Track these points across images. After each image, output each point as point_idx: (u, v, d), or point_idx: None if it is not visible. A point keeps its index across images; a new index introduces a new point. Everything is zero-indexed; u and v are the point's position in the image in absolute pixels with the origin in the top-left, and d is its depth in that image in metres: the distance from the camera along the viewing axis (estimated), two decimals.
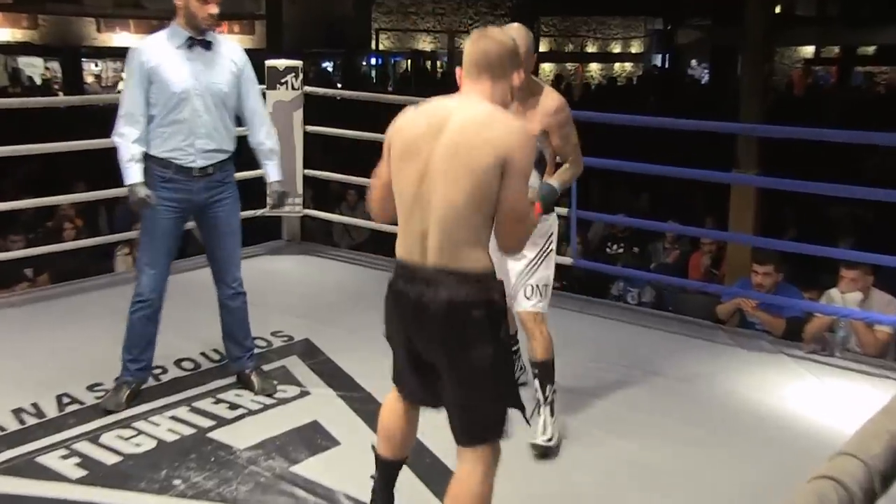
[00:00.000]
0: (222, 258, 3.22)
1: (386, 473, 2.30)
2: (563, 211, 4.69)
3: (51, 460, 2.75)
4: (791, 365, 3.80)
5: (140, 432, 2.96)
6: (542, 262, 2.86)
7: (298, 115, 5.21)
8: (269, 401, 3.22)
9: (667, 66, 22.67)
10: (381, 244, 5.34)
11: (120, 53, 17.25)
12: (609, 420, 3.19)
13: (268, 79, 5.16)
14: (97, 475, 2.67)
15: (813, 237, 4.76)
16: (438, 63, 22.49)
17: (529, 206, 2.10)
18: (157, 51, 3.01)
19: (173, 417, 3.07)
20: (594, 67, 24.08)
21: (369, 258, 5.26)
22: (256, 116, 3.21)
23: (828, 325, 4.00)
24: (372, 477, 2.35)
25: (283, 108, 5.18)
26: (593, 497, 2.70)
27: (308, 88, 5.29)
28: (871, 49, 20.37)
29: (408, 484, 2.48)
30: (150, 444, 2.88)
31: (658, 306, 5.50)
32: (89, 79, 18.28)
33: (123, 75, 3.05)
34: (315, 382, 3.41)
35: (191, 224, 3.30)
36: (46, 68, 18.08)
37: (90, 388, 3.26)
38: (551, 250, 2.90)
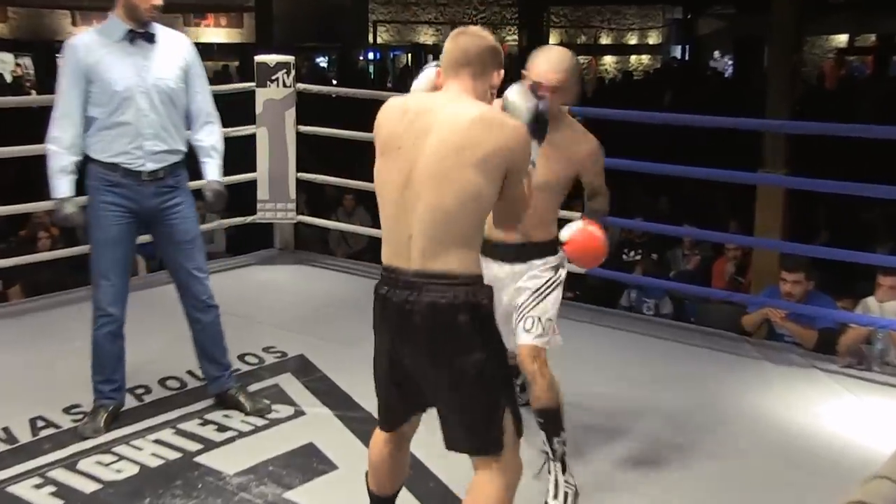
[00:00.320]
0: (185, 270, 3.16)
1: None
2: (576, 216, 4.69)
3: (23, 489, 2.75)
4: (824, 380, 3.80)
5: (121, 457, 2.96)
6: (548, 294, 2.74)
7: (291, 115, 5.24)
8: (260, 422, 3.23)
9: (687, 58, 22.67)
10: (381, 252, 5.34)
11: None
12: (625, 438, 3.19)
13: (258, 75, 5.20)
14: None
15: (847, 242, 4.77)
16: None
17: (526, 191, 2.15)
18: (94, 46, 2.97)
19: (157, 441, 3.08)
20: (608, 60, 24.08)
21: (368, 267, 5.28)
22: (203, 115, 3.17)
23: (864, 337, 4.00)
24: None
25: (274, 106, 5.21)
26: None
27: (301, 86, 5.32)
28: None
29: None
30: (131, 471, 2.88)
31: (677, 319, 5.49)
32: None
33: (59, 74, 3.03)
34: (310, 402, 3.41)
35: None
36: (17, 64, 18.13)
37: (67, 410, 3.27)
38: (560, 283, 2.78)
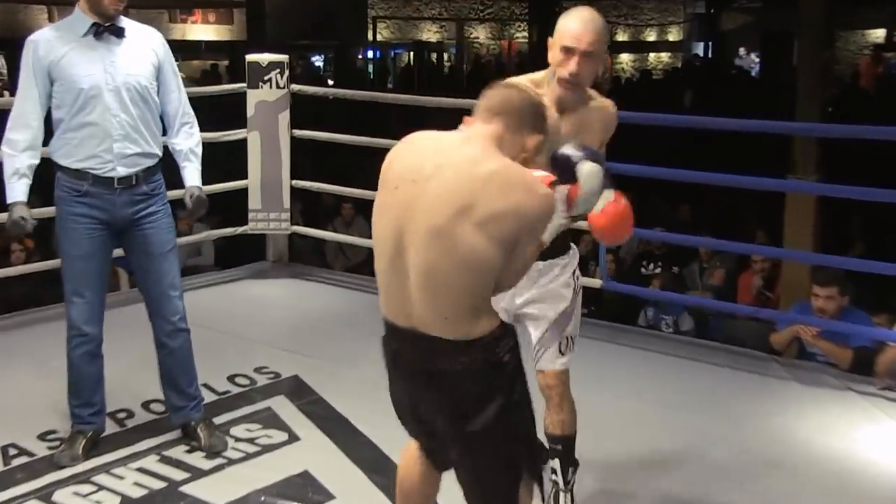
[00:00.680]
0: (157, 286, 3.13)
1: None
2: None
3: None
4: (861, 403, 3.79)
5: (101, 487, 2.96)
6: (576, 307, 2.70)
7: (284, 118, 5.26)
8: (252, 448, 3.23)
9: (710, 55, 22.72)
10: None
11: None
12: (646, 466, 3.19)
13: (249, 76, 5.22)
14: None
15: (884, 254, 4.76)
16: (446, 56, 22.62)
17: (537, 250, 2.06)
18: (56, 42, 2.95)
19: (140, 469, 3.08)
20: (625, 58, 24.15)
21: (367, 281, 5.28)
22: (179, 116, 3.16)
23: None
24: None
25: (266, 109, 5.23)
26: None
27: (295, 87, 5.34)
28: None
29: None
30: (112, 502, 2.88)
31: (698, 336, 5.48)
32: None
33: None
34: (305, 426, 3.42)
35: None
36: None
37: (41, 437, 3.28)
38: (581, 289, 2.75)
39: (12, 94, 4.31)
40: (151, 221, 3.10)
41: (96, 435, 3.17)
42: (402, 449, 2.32)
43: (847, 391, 3.89)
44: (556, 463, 2.72)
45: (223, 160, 6.04)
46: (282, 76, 5.22)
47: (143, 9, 17.08)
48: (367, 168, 2.57)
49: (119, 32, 3.00)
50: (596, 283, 4.73)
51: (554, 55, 2.50)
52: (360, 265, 7.15)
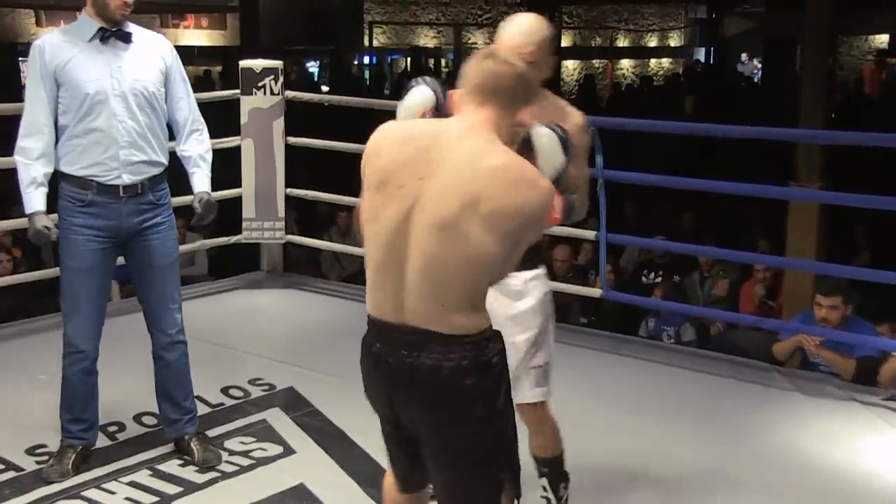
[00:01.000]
0: (158, 298, 3.15)
1: None
2: (590, 234, 4.73)
3: None
4: (864, 413, 3.81)
5: (91, 502, 2.97)
6: (546, 336, 2.63)
7: (279, 125, 5.28)
8: (246, 461, 3.24)
9: (712, 61, 22.78)
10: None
11: None
12: (647, 477, 3.20)
13: (242, 82, 5.24)
14: None
15: (889, 262, 4.77)
16: (443, 61, 22.64)
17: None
18: (62, 47, 2.97)
19: (132, 483, 3.08)
20: (626, 64, 24.20)
21: (363, 291, 5.28)
22: (189, 123, 3.18)
23: None
24: None
25: (260, 116, 5.25)
26: None
27: (290, 93, 5.36)
28: None
29: None
30: None
31: (700, 347, 5.49)
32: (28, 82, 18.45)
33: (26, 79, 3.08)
34: (301, 439, 3.42)
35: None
36: None
37: (30, 451, 3.28)
38: (552, 315, 2.67)
39: (0, 100, 4.32)
40: (157, 232, 3.11)
41: (86, 450, 3.17)
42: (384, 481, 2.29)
43: (850, 401, 3.90)
44: (544, 481, 2.72)
45: (216, 168, 6.05)
46: (276, 83, 5.24)
47: (134, 13, 17.11)
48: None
49: (126, 37, 3.02)
50: (596, 292, 4.75)
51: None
52: (356, 275, 7.15)
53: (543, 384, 2.63)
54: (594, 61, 23.60)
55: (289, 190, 5.36)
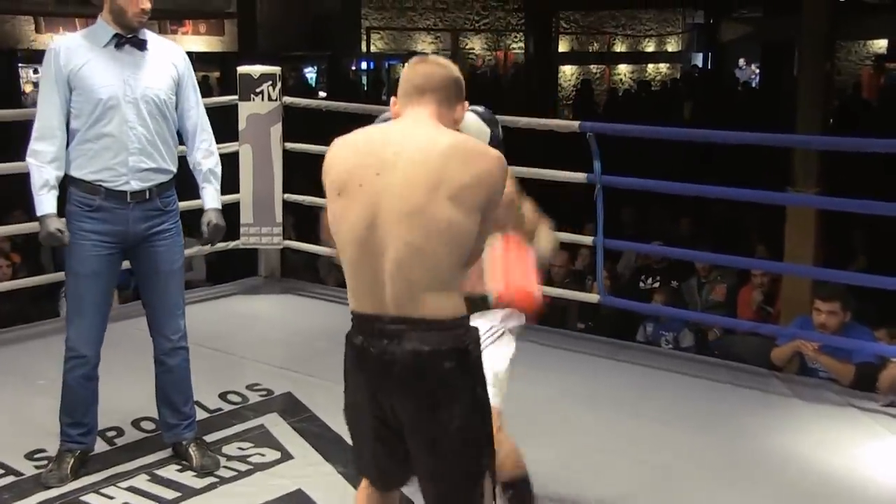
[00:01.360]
0: (162, 303, 3.17)
1: None
2: (588, 240, 4.74)
3: None
4: (863, 419, 3.82)
5: None
6: (490, 345, 2.55)
7: (277, 131, 5.29)
8: (244, 466, 3.25)
9: (710, 66, 22.83)
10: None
11: None
12: (645, 483, 3.21)
13: (240, 88, 5.25)
14: None
15: (886, 267, 4.79)
16: None
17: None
18: (77, 51, 2.99)
19: (130, 488, 3.09)
20: (623, 69, 24.24)
21: None
22: (199, 133, 3.20)
23: None
24: None
25: (258, 122, 5.26)
26: None
27: (288, 99, 5.38)
28: None
29: None
30: None
31: (699, 352, 5.51)
32: (27, 88, 18.47)
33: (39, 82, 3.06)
34: (299, 444, 3.43)
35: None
36: None
37: (29, 456, 3.29)
38: (504, 332, 2.63)
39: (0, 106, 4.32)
40: (163, 239, 3.13)
41: (85, 454, 3.18)
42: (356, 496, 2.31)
43: (848, 407, 3.91)
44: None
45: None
46: (274, 88, 5.26)
47: None
48: None
49: (141, 45, 3.04)
50: (593, 297, 4.75)
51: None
52: None
53: (498, 393, 2.51)
54: (591, 67, 23.65)
55: (286, 195, 5.38)
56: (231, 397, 3.83)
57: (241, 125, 5.27)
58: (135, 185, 3.03)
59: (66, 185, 3.05)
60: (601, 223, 4.46)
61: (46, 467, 3.15)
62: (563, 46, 22.11)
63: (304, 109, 5.68)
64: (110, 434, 3.45)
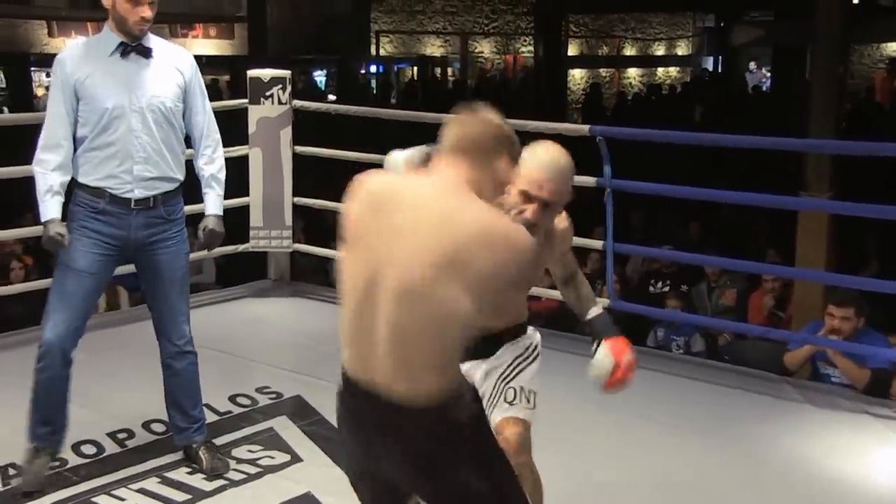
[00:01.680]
0: (166, 310, 3.18)
1: None
2: (598, 244, 4.74)
3: None
4: (875, 425, 3.81)
5: None
6: (528, 364, 2.56)
7: (286, 134, 5.30)
8: (254, 469, 3.26)
9: (720, 69, 22.80)
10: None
11: None
12: (655, 490, 3.20)
13: (250, 91, 5.27)
14: None
15: None
16: (450, 70, 22.70)
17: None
18: (83, 60, 3.01)
19: (141, 490, 3.11)
20: (633, 73, 24.23)
21: None
22: (205, 139, 3.21)
23: None
24: None
25: (268, 125, 5.28)
26: None
27: (297, 102, 5.39)
28: None
29: None
30: None
31: (710, 357, 5.49)
32: (40, 92, 18.57)
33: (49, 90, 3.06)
34: (308, 447, 3.44)
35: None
36: None
37: None
38: (537, 356, 2.61)
39: (11, 109, 4.35)
40: (166, 247, 3.14)
41: (54, 454, 3.16)
42: None
43: (861, 413, 3.90)
44: None
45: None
46: (284, 92, 5.27)
47: None
48: None
49: (146, 52, 3.04)
50: (603, 302, 4.75)
51: (510, 189, 2.21)
52: None
53: (528, 406, 2.50)
54: (601, 70, 23.64)
55: (296, 198, 5.39)
56: (240, 400, 3.84)
57: (251, 128, 5.29)
58: (139, 193, 3.04)
59: (72, 187, 3.06)
60: (611, 227, 4.45)
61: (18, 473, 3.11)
62: (572, 50, 22.13)
63: (312, 113, 5.70)
64: (121, 436, 3.47)
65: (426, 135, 2.30)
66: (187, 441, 3.27)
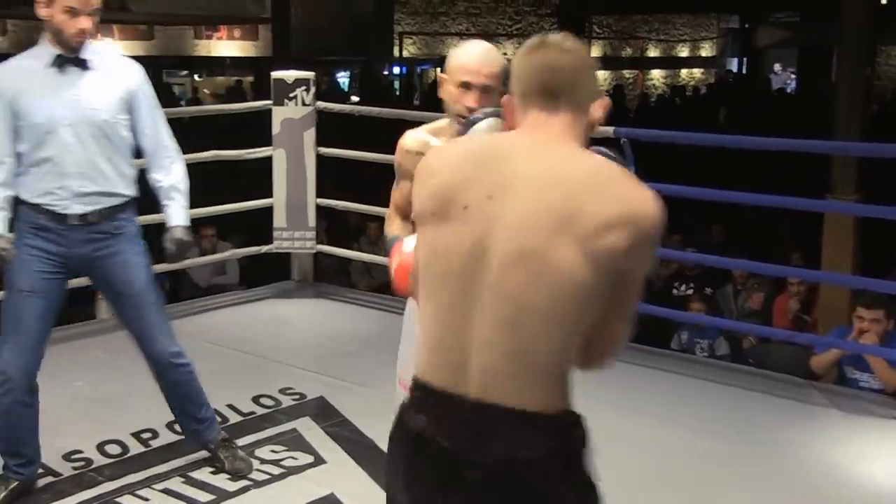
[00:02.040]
0: (133, 327, 3.04)
1: None
2: None
3: None
4: None
5: None
6: None
7: (310, 135, 5.31)
8: (277, 470, 3.26)
9: (744, 71, 22.68)
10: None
11: None
12: (678, 495, 3.18)
13: (274, 93, 5.28)
14: None
15: None
16: None
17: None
18: (17, 74, 2.90)
19: (165, 490, 3.12)
20: (657, 74, 24.15)
21: (393, 301, 5.29)
22: (159, 151, 3.04)
23: None
24: None
25: (292, 126, 5.29)
26: None
27: (321, 104, 5.40)
28: None
29: None
30: None
31: (734, 361, 5.46)
32: None
33: None
34: (331, 448, 3.44)
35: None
36: None
37: (66, 456, 3.31)
38: None
39: None
40: (114, 263, 2.98)
41: (24, 487, 3.02)
42: None
43: (889, 419, 3.85)
44: None
45: (248, 178, 6.10)
46: (308, 93, 5.28)
47: (168, 25, 17.32)
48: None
49: (83, 64, 2.90)
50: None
51: (448, 91, 2.41)
52: (386, 285, 7.15)
53: None
54: (625, 72, 23.58)
55: (319, 200, 5.40)
56: (264, 401, 3.85)
57: (275, 130, 5.30)
58: (77, 208, 2.90)
59: (17, 205, 2.95)
60: None
61: None
62: (595, 51, 22.05)
63: (336, 114, 5.70)
64: (145, 436, 3.48)
65: None
66: (202, 440, 3.23)
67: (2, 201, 2.91)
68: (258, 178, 5.51)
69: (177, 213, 3.08)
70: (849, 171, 6.23)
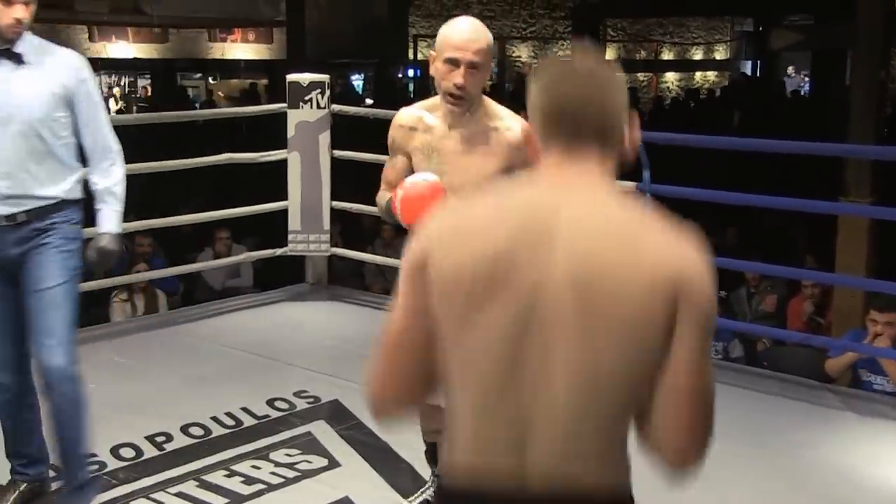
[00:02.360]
0: (34, 328, 2.75)
1: None
2: None
3: None
4: None
5: None
6: None
7: (325, 138, 5.32)
8: (292, 473, 3.26)
9: (759, 74, 22.61)
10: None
11: (115, 65, 17.64)
12: (693, 496, 3.16)
13: (289, 96, 5.29)
14: None
15: None
16: None
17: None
18: None
19: (179, 494, 3.11)
20: (671, 77, 24.10)
21: None
22: (97, 151, 2.84)
23: None
24: None
25: (307, 129, 5.29)
26: None
27: (336, 107, 5.40)
28: None
29: None
30: None
31: (748, 363, 5.43)
32: None
33: None
34: (346, 452, 3.44)
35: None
36: None
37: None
38: None
39: None
40: (36, 256, 2.77)
41: (35, 487, 2.96)
42: None
43: None
44: None
45: (262, 181, 6.11)
46: (322, 96, 5.28)
47: (182, 28, 17.39)
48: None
49: (16, 58, 2.72)
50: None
51: (436, 67, 2.42)
52: None
53: None
54: (639, 75, 23.52)
55: (334, 202, 5.40)
56: (278, 404, 3.85)
57: (290, 132, 5.31)
58: (3, 209, 2.72)
59: None
60: None
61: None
62: (609, 54, 22.01)
63: (350, 117, 5.71)
64: (159, 439, 3.48)
65: None
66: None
67: None
68: (273, 180, 5.51)
69: (107, 219, 2.86)
70: (863, 174, 6.20)
